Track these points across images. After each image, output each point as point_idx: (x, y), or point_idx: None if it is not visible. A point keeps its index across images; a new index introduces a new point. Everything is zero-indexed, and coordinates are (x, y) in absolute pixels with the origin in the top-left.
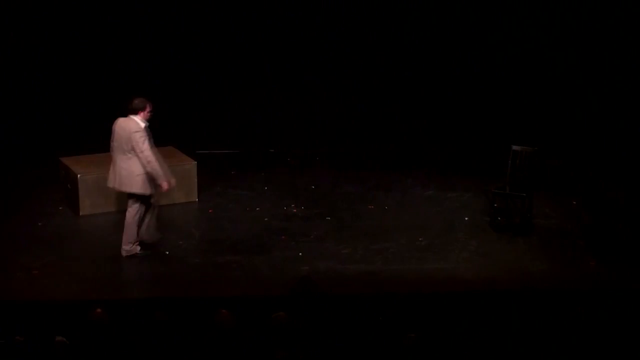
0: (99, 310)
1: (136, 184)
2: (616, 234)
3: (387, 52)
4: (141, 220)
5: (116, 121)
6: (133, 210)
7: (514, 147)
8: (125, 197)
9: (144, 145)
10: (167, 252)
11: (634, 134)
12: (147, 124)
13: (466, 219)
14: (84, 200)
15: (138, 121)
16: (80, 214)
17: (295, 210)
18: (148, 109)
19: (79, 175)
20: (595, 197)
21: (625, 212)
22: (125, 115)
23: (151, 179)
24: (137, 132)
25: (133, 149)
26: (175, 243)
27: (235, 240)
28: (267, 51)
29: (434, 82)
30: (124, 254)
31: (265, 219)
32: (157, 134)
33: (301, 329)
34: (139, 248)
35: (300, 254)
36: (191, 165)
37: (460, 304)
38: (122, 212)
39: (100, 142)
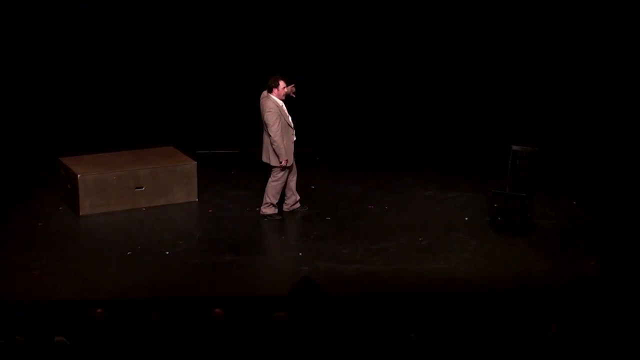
0: (99, 310)
1: (272, 156)
2: (616, 234)
3: (387, 51)
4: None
5: (260, 95)
6: (272, 178)
7: (514, 147)
8: (125, 197)
9: (274, 127)
10: (167, 252)
11: (634, 133)
12: (282, 102)
13: (466, 219)
14: (84, 200)
15: (274, 99)
16: (80, 214)
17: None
18: (282, 86)
19: (79, 175)
20: (595, 197)
21: (625, 212)
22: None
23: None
24: (269, 111)
25: (266, 126)
26: (175, 243)
27: (235, 240)
28: (268, 51)
29: (433, 82)
30: (260, 212)
31: (265, 219)
32: (157, 134)
33: (301, 329)
34: (272, 210)
35: (300, 254)
36: (191, 165)
37: (460, 304)
38: (122, 212)
39: (100, 142)
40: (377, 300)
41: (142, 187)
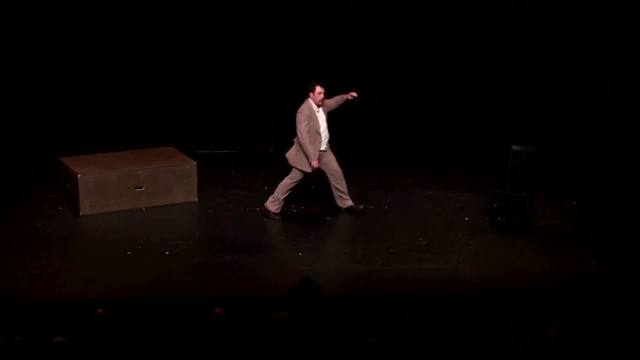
0: (100, 310)
1: (293, 158)
2: (616, 234)
3: (386, 51)
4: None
5: None
6: (288, 177)
7: (514, 147)
8: (125, 197)
9: (301, 127)
10: (167, 252)
11: (634, 133)
12: (319, 107)
13: (466, 219)
14: (84, 200)
15: (309, 102)
16: (80, 214)
17: (295, 210)
18: (318, 91)
19: (79, 175)
20: (595, 197)
21: (625, 212)
22: None
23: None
24: (299, 112)
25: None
26: (175, 243)
27: (235, 240)
28: (267, 51)
29: (433, 82)
30: (264, 205)
31: (265, 219)
32: (157, 134)
33: (301, 329)
34: (275, 208)
35: (300, 254)
36: (191, 165)
37: (460, 304)
38: (122, 212)
39: (100, 142)
40: (377, 300)
41: (142, 187)
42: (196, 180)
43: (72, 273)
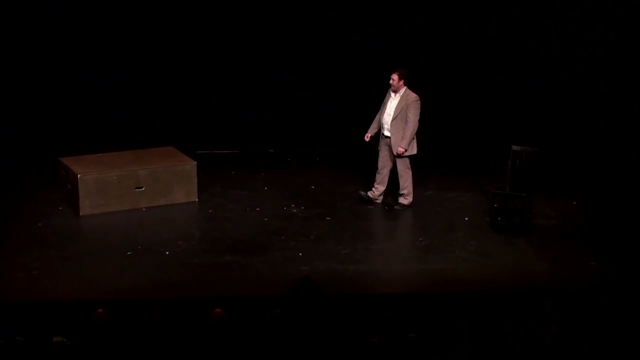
0: (100, 310)
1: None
2: (616, 234)
3: (386, 51)
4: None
5: None
6: (405, 169)
7: (514, 147)
8: (125, 197)
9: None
10: (167, 252)
11: (634, 133)
12: (393, 94)
13: (466, 219)
14: (84, 200)
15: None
16: (80, 214)
17: (295, 210)
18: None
19: (79, 175)
20: (595, 197)
21: (625, 212)
22: None
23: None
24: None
25: None
26: (175, 243)
27: (235, 240)
28: (267, 51)
29: (433, 81)
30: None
31: (265, 219)
32: (157, 134)
33: (300, 328)
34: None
35: (300, 254)
36: (191, 165)
37: (460, 304)
38: (122, 212)
39: (100, 142)
40: (377, 300)
41: (142, 187)
42: (196, 180)
43: (72, 273)
